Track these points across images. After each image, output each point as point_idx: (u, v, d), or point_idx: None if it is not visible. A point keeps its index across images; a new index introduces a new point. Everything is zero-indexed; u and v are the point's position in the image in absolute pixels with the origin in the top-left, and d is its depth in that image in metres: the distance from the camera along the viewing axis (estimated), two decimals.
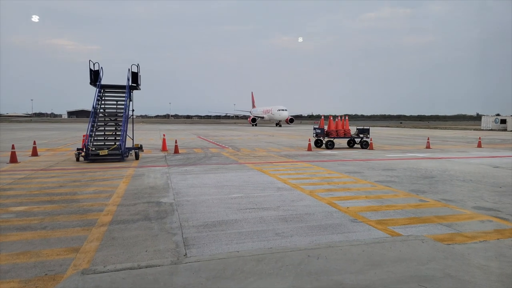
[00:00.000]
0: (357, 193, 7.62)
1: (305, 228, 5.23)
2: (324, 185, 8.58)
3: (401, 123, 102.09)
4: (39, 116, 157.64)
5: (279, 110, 60.60)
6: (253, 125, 64.62)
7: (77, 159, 12.73)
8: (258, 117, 66.92)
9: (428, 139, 20.41)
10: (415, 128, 59.76)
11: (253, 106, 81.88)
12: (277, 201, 6.83)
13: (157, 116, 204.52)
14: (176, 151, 15.83)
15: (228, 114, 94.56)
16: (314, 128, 19.87)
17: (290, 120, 64.60)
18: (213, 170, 10.93)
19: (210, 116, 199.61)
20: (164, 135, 19.23)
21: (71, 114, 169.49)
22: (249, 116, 70.96)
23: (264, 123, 77.94)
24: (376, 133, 37.44)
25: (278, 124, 64.35)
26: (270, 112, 63.47)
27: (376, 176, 9.87)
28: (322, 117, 21.60)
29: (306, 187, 8.18)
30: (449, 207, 6.50)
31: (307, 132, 36.71)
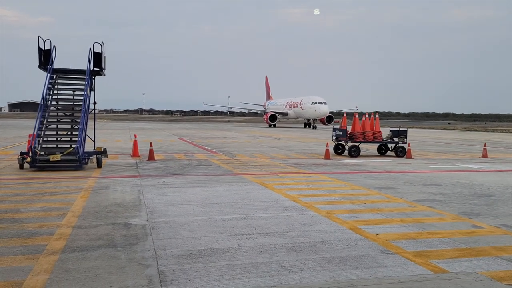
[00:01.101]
0: (389, 216, 7.62)
1: (320, 260, 5.23)
2: (346, 204, 8.59)
3: (449, 123, 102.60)
4: None
5: (314, 103, 54.52)
6: (271, 126, 59.43)
7: (21, 166, 12.77)
8: (279, 113, 61.82)
9: (485, 145, 20.43)
10: (467, 130, 59.87)
11: (269, 97, 76.90)
12: (283, 225, 6.83)
13: (126, 111, 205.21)
14: (151, 157, 15.87)
15: (232, 109, 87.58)
16: (334, 129, 19.92)
17: (328, 119, 58.22)
18: (199, 182, 10.95)
19: (197, 112, 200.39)
20: (135, 136, 19.27)
21: (13, 107, 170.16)
22: (265, 112, 65.54)
23: (287, 123, 71.47)
24: (416, 136, 37.51)
25: (310, 124, 59.01)
26: (298, 106, 58.03)
27: (415, 194, 9.88)
28: (345, 114, 21.65)
29: (322, 207, 8.19)
30: (511, 235, 6.50)
31: (327, 135, 36.83)
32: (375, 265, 5.11)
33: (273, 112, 61.67)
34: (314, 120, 57.59)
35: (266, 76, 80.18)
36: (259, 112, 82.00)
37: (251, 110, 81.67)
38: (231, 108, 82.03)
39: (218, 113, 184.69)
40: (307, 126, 60.25)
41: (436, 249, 5.78)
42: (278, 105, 66.29)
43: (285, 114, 61.87)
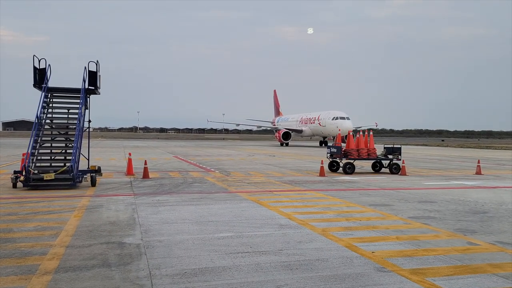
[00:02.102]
0: (385, 233, 7.62)
1: (316, 279, 5.21)
2: (342, 221, 8.59)
3: (442, 140, 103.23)
4: None
5: (335, 118, 48.61)
6: (283, 145, 55.08)
7: (14, 185, 12.68)
8: (292, 130, 57.03)
9: (478, 162, 20.58)
10: (461, 147, 60.30)
11: (278, 113, 71.06)
12: (279, 243, 6.81)
13: (121, 129, 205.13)
14: (145, 175, 15.82)
15: (238, 127, 75.24)
16: (329, 147, 20.01)
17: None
18: (194, 200, 10.92)
19: (192, 129, 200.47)
20: (130, 154, 19.24)
21: (7, 125, 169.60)
22: (276, 130, 59.78)
23: (300, 140, 66.36)
24: (410, 153, 37.72)
25: (326, 142, 53.83)
26: (315, 122, 52.85)
27: (410, 211, 9.90)
28: (339, 131, 21.77)
29: (317, 224, 8.18)
30: (507, 252, 6.51)
31: (322, 152, 36.94)
32: (371, 283, 5.09)
33: (286, 129, 56.47)
34: (334, 137, 53.82)
35: (274, 90, 73.88)
36: (263, 129, 75.68)
37: (261, 127, 73.33)
38: (238, 125, 73.35)
39: (212, 131, 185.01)
40: (323, 145, 55.04)
41: (432, 266, 5.77)
42: (291, 122, 60.69)
43: (299, 131, 56.90)
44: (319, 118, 51.97)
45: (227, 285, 4.93)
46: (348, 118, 48.55)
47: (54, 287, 4.78)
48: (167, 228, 7.72)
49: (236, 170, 19.49)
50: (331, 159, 19.56)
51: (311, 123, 54.19)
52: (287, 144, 55.84)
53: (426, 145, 68.84)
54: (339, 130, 44.53)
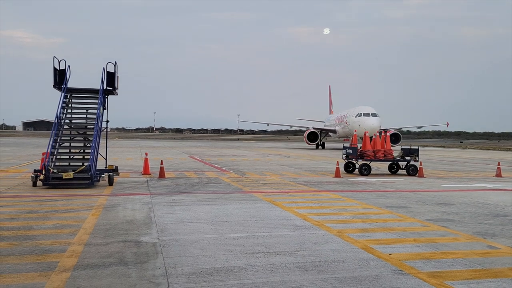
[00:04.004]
0: (402, 235, 7.53)
1: (332, 280, 5.18)
2: (358, 223, 8.52)
3: (461, 142, 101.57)
4: None
5: (359, 115, 41.66)
6: (311, 145, 49.12)
7: (34, 184, 12.91)
8: (329, 130, 51.37)
9: (498, 164, 20.16)
10: (480, 149, 59.18)
11: (330, 111, 63.73)
12: (294, 243, 6.79)
13: (137, 130, 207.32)
14: (161, 175, 15.95)
15: (289, 127, 67.37)
16: (344, 148, 19.85)
17: (395, 138, 42.60)
18: (209, 200, 10.96)
19: (207, 130, 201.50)
20: (146, 154, 19.43)
21: (27, 125, 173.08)
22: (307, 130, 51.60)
23: (337, 142, 59.00)
24: (428, 155, 37.17)
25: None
26: (343, 120, 46.24)
27: (428, 213, 9.76)
28: (355, 132, 21.62)
29: (333, 226, 8.13)
30: None
31: (337, 153, 36.65)
32: (388, 286, 5.03)
33: (315, 128, 50.30)
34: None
35: (329, 86, 66.80)
36: (286, 129, 69.45)
37: (292, 126, 64.57)
38: (268, 125, 65.74)
39: (227, 131, 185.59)
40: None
41: (450, 269, 5.68)
42: (331, 121, 54.10)
43: (334, 132, 50.23)
44: (346, 116, 45.51)
45: (242, 285, 4.93)
46: (374, 115, 41.17)
47: (72, 284, 4.85)
48: (183, 228, 7.76)
49: (251, 171, 19.51)
50: (346, 160, 19.41)
51: (341, 121, 47.47)
52: (318, 146, 49.71)
53: (444, 146, 67.78)
54: (365, 130, 37.13)
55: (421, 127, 52.23)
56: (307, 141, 49.06)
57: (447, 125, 51.83)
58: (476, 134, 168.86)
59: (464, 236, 7.53)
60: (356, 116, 42.15)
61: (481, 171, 21.87)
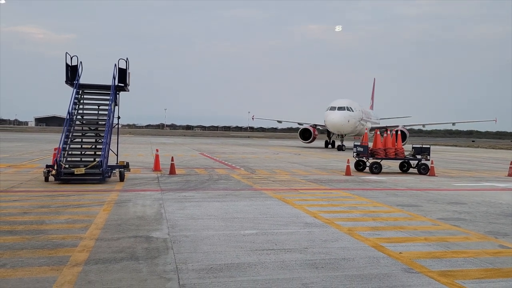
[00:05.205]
0: (413, 234, 7.48)
1: (342, 278, 5.16)
2: (368, 221, 8.48)
3: (473, 141, 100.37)
4: (0, 124, 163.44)
5: (328, 108, 38.13)
6: (327, 146, 45.69)
7: (46, 179, 13.07)
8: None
9: (511, 163, 19.89)
10: (492, 148, 58.44)
11: (371, 106, 59.81)
12: (304, 241, 6.79)
13: (148, 126, 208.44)
14: (172, 171, 16.03)
15: (281, 124, 63.17)
16: (355, 146, 19.76)
17: (402, 136, 30.97)
18: (219, 197, 10.99)
19: (217, 127, 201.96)
20: (157, 150, 19.53)
21: (40, 121, 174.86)
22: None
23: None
24: (439, 154, 36.81)
25: (330, 141, 45.32)
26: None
27: (439, 212, 9.68)
28: (366, 131, 21.50)
29: (343, 224, 8.11)
30: None
31: (346, 152, 36.47)
32: (399, 284, 5.01)
33: (319, 124, 45.59)
34: (339, 136, 40.20)
35: (374, 79, 61.32)
36: (296, 127, 62.64)
37: (302, 124, 58.24)
38: (280, 122, 61.60)
39: (238, 129, 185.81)
40: (329, 146, 45.45)
41: (461, 268, 5.63)
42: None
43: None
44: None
45: (252, 282, 4.95)
46: (341, 109, 36.56)
47: (84, 278, 4.90)
48: (193, 224, 7.80)
49: (261, 168, 19.51)
50: (357, 158, 19.32)
51: None
52: (328, 145, 46.18)
53: (456, 145, 67.06)
54: (327, 127, 34.54)
55: (411, 125, 49.49)
56: (300, 138, 46.02)
57: (495, 121, 47.52)
58: (488, 133, 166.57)
59: (475, 236, 7.46)
60: (326, 110, 38.51)
61: (493, 171, 21.61)
